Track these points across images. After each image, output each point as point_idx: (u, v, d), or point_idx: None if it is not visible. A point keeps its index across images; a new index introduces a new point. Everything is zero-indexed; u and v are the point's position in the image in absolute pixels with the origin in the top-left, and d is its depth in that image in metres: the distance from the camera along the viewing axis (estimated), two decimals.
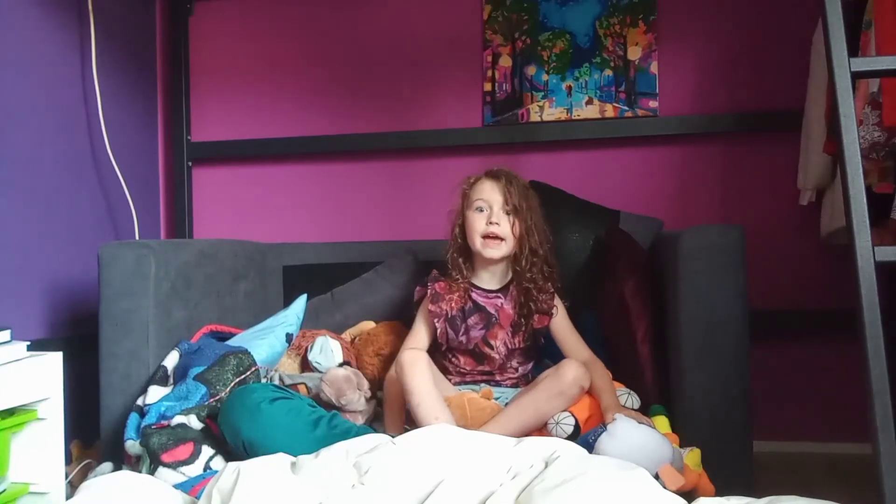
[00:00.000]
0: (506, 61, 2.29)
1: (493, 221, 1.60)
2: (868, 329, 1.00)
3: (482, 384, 1.64)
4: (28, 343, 1.51)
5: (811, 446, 2.09)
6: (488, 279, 1.68)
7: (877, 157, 1.61)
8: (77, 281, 1.99)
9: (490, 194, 1.63)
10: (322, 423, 1.29)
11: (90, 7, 2.05)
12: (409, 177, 2.37)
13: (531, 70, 2.27)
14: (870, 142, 1.58)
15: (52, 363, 1.52)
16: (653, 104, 2.20)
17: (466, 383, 1.65)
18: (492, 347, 1.63)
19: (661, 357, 1.58)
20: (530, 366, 1.68)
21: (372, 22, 2.39)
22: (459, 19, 2.33)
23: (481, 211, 1.62)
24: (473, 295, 1.66)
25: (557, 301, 1.66)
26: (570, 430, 1.39)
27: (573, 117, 2.24)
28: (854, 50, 1.60)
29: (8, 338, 1.47)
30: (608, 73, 2.22)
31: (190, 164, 2.44)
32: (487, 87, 2.30)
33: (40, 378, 1.49)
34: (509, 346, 1.64)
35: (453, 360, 1.67)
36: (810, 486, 1.74)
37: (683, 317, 1.46)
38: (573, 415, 1.42)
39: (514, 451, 1.06)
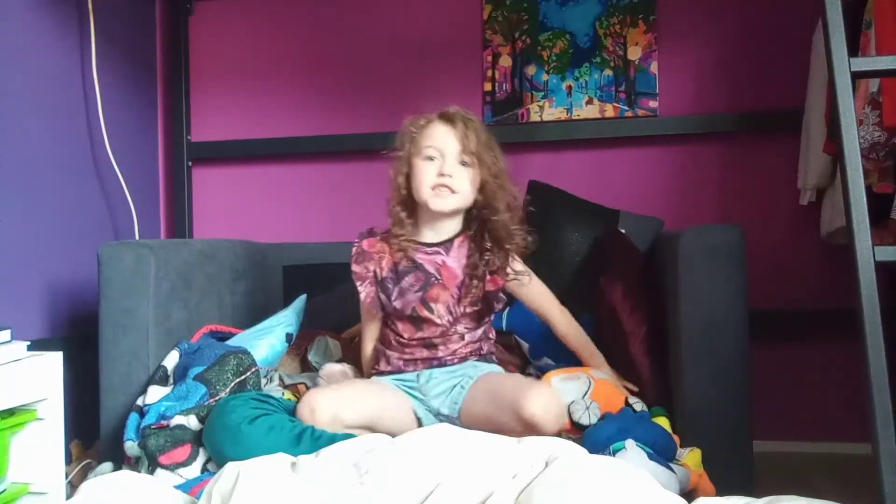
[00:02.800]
0: (506, 61, 2.29)
1: (445, 173, 1.40)
2: (868, 329, 1.00)
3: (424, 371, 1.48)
4: (28, 343, 1.51)
5: (811, 446, 2.09)
6: (432, 235, 1.49)
7: (877, 157, 1.61)
8: (77, 281, 1.98)
9: (443, 141, 1.42)
10: (305, 437, 1.26)
11: (90, 7, 2.05)
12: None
13: (531, 70, 2.27)
14: (870, 142, 1.58)
15: (52, 363, 1.52)
16: (653, 104, 2.19)
17: (407, 360, 1.50)
18: (432, 311, 1.46)
19: (661, 357, 1.58)
20: (481, 331, 1.53)
21: (372, 22, 2.38)
22: (459, 19, 2.33)
23: (431, 160, 1.41)
24: (413, 252, 1.48)
25: (523, 266, 1.51)
26: (595, 419, 1.40)
27: (573, 117, 2.24)
28: (854, 50, 1.61)
29: (8, 338, 1.47)
30: (608, 73, 2.22)
31: (190, 164, 2.44)
32: (487, 87, 2.30)
33: (40, 378, 1.48)
34: (453, 313, 1.47)
35: (393, 327, 1.50)
36: (810, 486, 1.74)
37: (683, 317, 1.46)
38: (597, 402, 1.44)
39: (514, 451, 1.05)
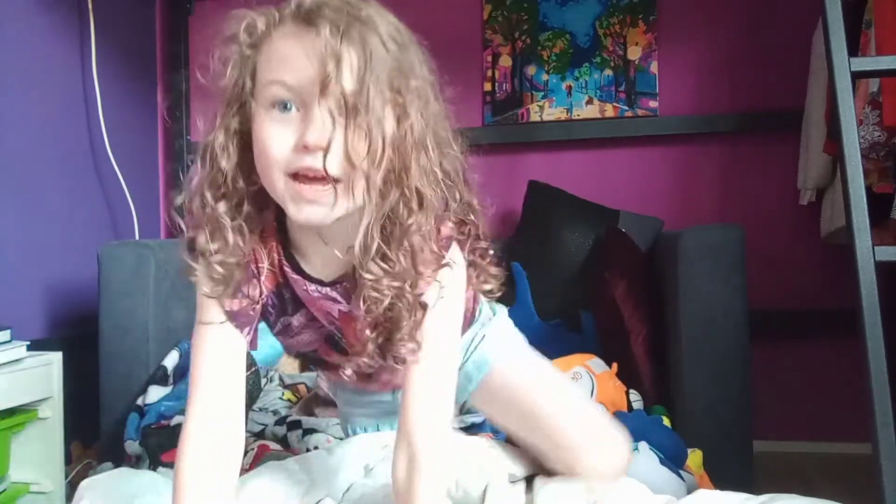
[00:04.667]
0: (506, 61, 2.29)
1: (308, 144, 0.72)
2: (868, 329, 1.00)
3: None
4: (28, 343, 1.51)
5: (811, 446, 2.09)
6: (315, 259, 0.86)
7: (877, 157, 1.61)
8: (77, 281, 1.98)
9: (299, 69, 0.74)
10: None
11: (90, 7, 2.05)
12: None
13: (531, 70, 2.27)
14: (870, 142, 1.58)
15: (52, 363, 1.51)
16: (653, 104, 2.19)
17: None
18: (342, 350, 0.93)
19: (661, 357, 1.58)
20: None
21: None
22: (459, 19, 2.33)
23: (284, 110, 0.74)
24: (299, 287, 0.88)
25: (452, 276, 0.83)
26: None
27: (573, 117, 2.24)
28: (854, 50, 1.60)
29: (8, 338, 1.47)
30: (608, 73, 2.22)
31: (190, 163, 2.43)
32: (487, 87, 2.29)
33: (40, 378, 1.48)
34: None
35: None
36: (810, 486, 1.74)
37: (683, 317, 1.46)
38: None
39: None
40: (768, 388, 2.04)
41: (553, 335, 1.64)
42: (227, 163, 0.79)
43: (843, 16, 1.08)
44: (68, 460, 1.71)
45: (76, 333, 1.93)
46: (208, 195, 0.80)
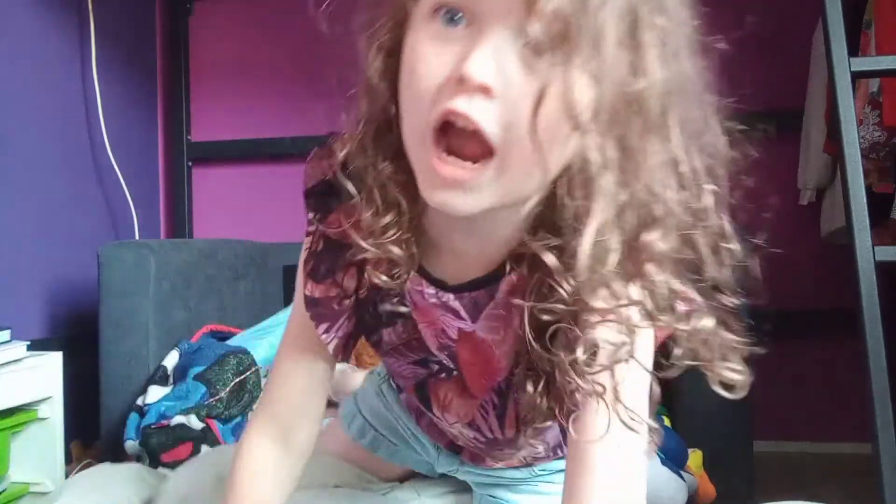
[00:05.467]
0: None
1: (466, 73, 0.49)
2: (868, 329, 1.00)
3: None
4: (28, 343, 1.51)
5: (811, 446, 2.09)
6: (446, 250, 0.63)
7: (877, 157, 1.61)
8: (77, 281, 1.98)
9: None
10: None
11: (90, 7, 2.05)
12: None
13: None
14: (870, 142, 1.58)
15: (52, 363, 1.51)
16: None
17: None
18: (437, 417, 0.74)
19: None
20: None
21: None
22: None
23: (450, 23, 0.51)
24: (413, 287, 0.65)
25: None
26: None
27: None
28: (854, 50, 1.61)
29: (8, 338, 1.47)
30: None
31: (190, 164, 2.44)
32: None
33: (40, 378, 1.48)
34: (493, 433, 0.71)
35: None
36: (810, 486, 1.74)
37: None
38: None
39: None
40: (768, 388, 2.04)
41: None
42: (385, 95, 0.58)
43: (843, 16, 1.08)
44: (68, 460, 1.71)
45: (76, 333, 1.93)
46: (369, 144, 0.59)
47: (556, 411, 0.59)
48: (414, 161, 0.55)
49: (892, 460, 0.95)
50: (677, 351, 0.57)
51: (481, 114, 0.49)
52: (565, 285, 0.53)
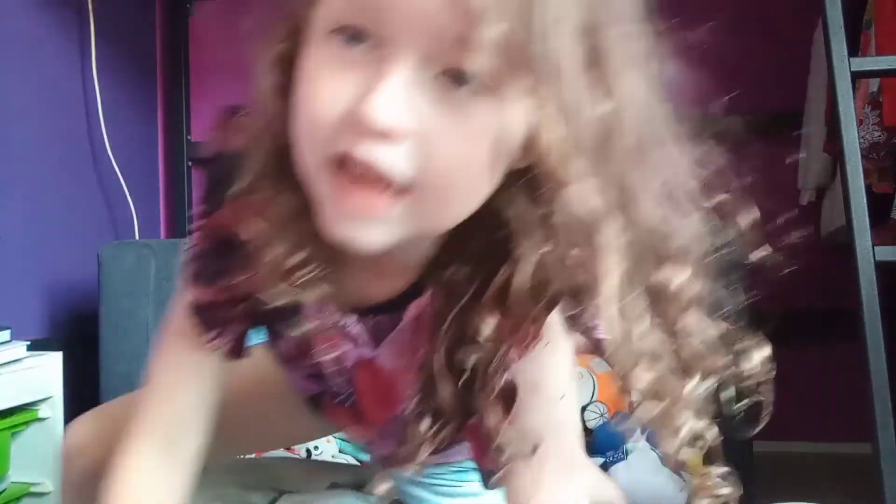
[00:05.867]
0: None
1: (367, 117, 0.42)
2: (868, 329, 1.00)
3: None
4: (28, 343, 1.51)
5: (811, 446, 2.09)
6: (361, 277, 0.55)
7: (877, 157, 1.61)
8: (77, 281, 1.98)
9: None
10: None
11: (90, 7, 2.05)
12: None
13: None
14: (870, 142, 1.58)
15: (52, 363, 1.51)
16: None
17: None
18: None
19: None
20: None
21: None
22: None
23: (351, 42, 0.44)
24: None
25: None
26: (604, 421, 1.39)
27: None
28: (854, 50, 1.61)
29: (8, 338, 1.47)
30: None
31: (190, 164, 2.44)
32: None
33: (40, 378, 1.48)
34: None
35: None
36: (810, 486, 1.74)
37: None
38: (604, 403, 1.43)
39: None
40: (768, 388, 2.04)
41: None
42: (274, 113, 0.50)
43: (843, 16, 1.08)
44: None
45: (76, 333, 1.93)
46: (269, 171, 0.51)
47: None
48: (311, 192, 0.47)
49: (892, 460, 0.95)
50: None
51: (386, 160, 0.43)
52: (490, 321, 0.47)
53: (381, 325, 0.56)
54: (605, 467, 1.25)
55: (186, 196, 2.42)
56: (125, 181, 2.17)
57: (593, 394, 1.45)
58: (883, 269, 1.02)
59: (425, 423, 0.52)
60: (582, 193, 0.43)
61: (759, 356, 0.55)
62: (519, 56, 0.40)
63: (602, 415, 1.40)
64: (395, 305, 0.55)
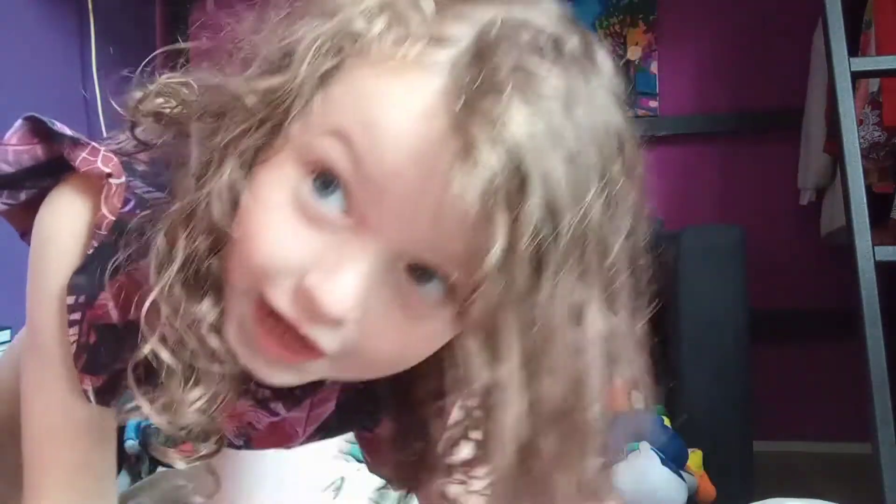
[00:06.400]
0: None
1: (321, 313, 0.38)
2: (868, 329, 1.00)
3: None
4: None
5: (811, 446, 2.09)
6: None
7: (877, 157, 1.61)
8: None
9: (393, 149, 0.36)
10: None
11: (90, 7, 2.05)
12: None
13: None
14: (870, 142, 1.58)
15: None
16: (653, 104, 2.19)
17: None
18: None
19: (661, 357, 1.58)
20: None
21: None
22: None
23: (324, 192, 0.38)
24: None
25: None
26: None
27: None
28: (854, 50, 1.61)
29: (8, 338, 1.47)
30: None
31: None
32: None
33: None
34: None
35: None
36: (810, 486, 1.74)
37: (683, 317, 1.46)
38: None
39: None
40: (768, 388, 2.04)
41: None
42: (220, 215, 0.41)
43: (843, 16, 1.08)
44: None
45: None
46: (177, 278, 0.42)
47: None
48: (228, 319, 0.42)
49: (892, 460, 0.95)
50: None
51: (325, 340, 0.39)
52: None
53: (301, 394, 0.53)
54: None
55: None
56: None
57: None
58: (883, 269, 1.02)
59: None
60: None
61: None
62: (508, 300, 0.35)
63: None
64: (314, 386, 0.52)
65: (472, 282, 0.35)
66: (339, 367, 0.42)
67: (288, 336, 0.39)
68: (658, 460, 1.23)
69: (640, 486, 1.20)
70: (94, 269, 0.47)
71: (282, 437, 0.56)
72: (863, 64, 1.10)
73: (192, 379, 0.43)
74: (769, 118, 2.13)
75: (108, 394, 0.51)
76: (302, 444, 0.57)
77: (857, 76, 1.09)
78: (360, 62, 0.38)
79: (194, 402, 0.44)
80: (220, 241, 0.41)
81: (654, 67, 2.20)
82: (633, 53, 2.21)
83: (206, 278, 0.42)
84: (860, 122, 1.57)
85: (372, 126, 0.36)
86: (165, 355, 0.42)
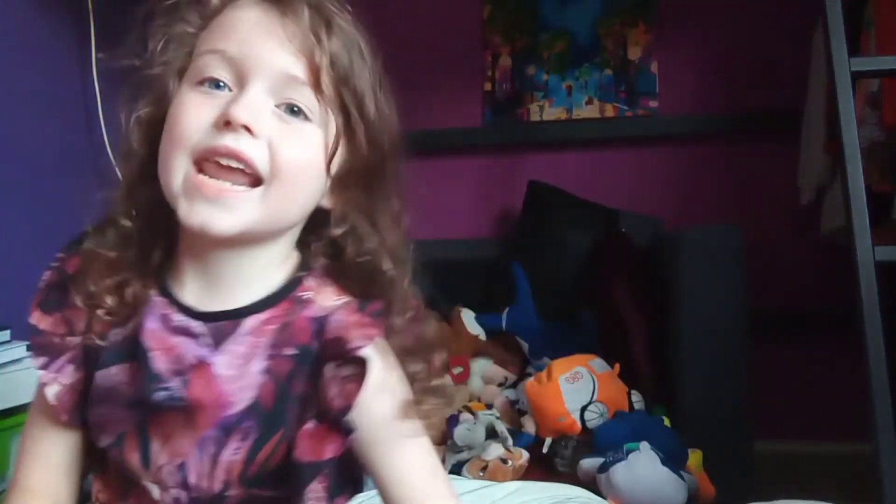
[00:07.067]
0: (506, 61, 2.29)
1: (235, 120, 0.57)
2: (868, 329, 1.00)
3: None
4: (28, 343, 1.51)
5: (811, 446, 2.09)
6: (207, 290, 0.64)
7: (877, 158, 1.61)
8: None
9: (248, 40, 0.60)
10: None
11: (90, 7, 2.05)
12: (407, 177, 2.37)
13: (531, 70, 2.27)
14: (870, 142, 1.58)
15: None
16: (653, 104, 2.19)
17: None
18: (148, 466, 0.63)
19: (661, 357, 1.58)
20: None
21: (371, 21, 2.38)
22: (459, 19, 2.33)
23: (216, 87, 0.60)
24: (149, 316, 0.64)
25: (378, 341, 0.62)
26: (604, 420, 1.39)
27: (573, 117, 2.24)
28: (854, 50, 1.61)
29: (8, 338, 1.47)
30: (608, 72, 2.22)
31: None
32: (487, 86, 2.29)
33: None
34: (212, 478, 0.62)
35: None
36: (810, 486, 1.74)
37: (683, 317, 1.46)
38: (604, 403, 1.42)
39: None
40: (768, 388, 2.04)
41: (554, 335, 1.64)
42: (142, 148, 0.65)
43: (843, 16, 1.08)
44: None
45: None
46: (122, 192, 0.70)
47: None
48: (173, 194, 0.60)
49: (892, 460, 0.95)
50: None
51: (249, 149, 0.58)
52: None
53: (223, 330, 0.62)
54: (605, 467, 1.24)
55: None
56: None
57: (593, 394, 1.45)
58: (883, 269, 1.02)
59: (252, 435, 0.61)
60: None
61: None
62: (340, 104, 0.62)
63: (602, 415, 1.40)
64: (235, 315, 0.63)
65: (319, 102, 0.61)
66: (263, 201, 0.59)
67: (219, 180, 0.58)
68: (658, 460, 1.23)
69: (640, 485, 1.20)
70: (78, 241, 0.72)
71: (214, 393, 0.61)
72: (863, 64, 1.10)
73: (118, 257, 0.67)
74: (769, 118, 2.13)
75: (45, 341, 0.69)
76: (239, 415, 0.61)
77: (857, 76, 1.09)
78: (208, 24, 0.63)
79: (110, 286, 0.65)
80: (147, 169, 0.65)
81: (654, 67, 2.20)
82: (633, 53, 2.21)
83: (139, 199, 0.69)
84: (860, 122, 1.57)
85: (226, 29, 0.61)
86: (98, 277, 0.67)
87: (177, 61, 0.63)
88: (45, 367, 0.67)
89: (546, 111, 2.25)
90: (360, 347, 0.60)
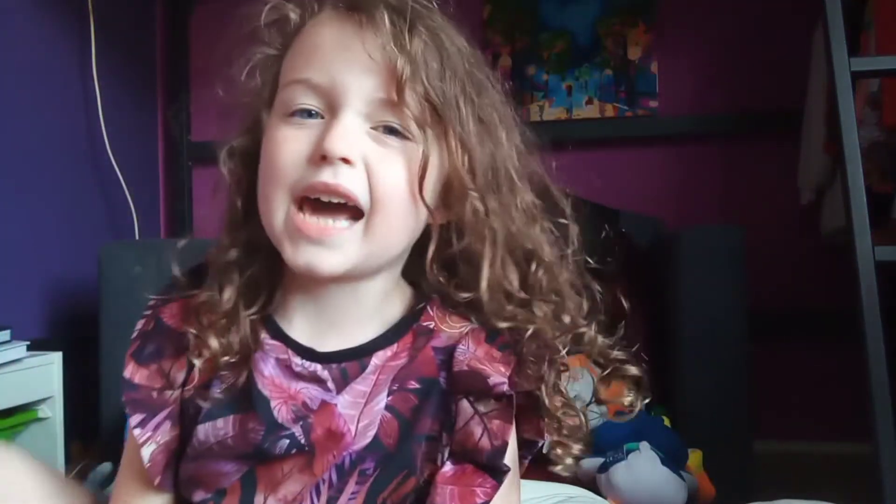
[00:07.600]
0: (506, 61, 2.29)
1: (327, 150, 0.55)
2: (868, 329, 1.00)
3: None
4: (28, 343, 1.51)
5: (811, 446, 2.09)
6: (319, 329, 0.63)
7: (877, 158, 1.61)
8: (77, 281, 1.98)
9: (333, 63, 0.58)
10: None
11: (90, 7, 2.05)
12: None
13: (531, 70, 2.27)
14: (870, 142, 1.58)
15: (52, 363, 1.51)
16: (653, 104, 2.19)
17: None
18: None
19: (662, 358, 1.58)
20: None
21: None
22: (459, 19, 2.33)
23: (308, 117, 0.58)
24: (263, 361, 0.61)
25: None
26: (603, 420, 1.39)
27: (573, 117, 2.24)
28: (854, 50, 1.61)
29: (8, 338, 1.47)
30: (608, 72, 2.22)
31: (190, 164, 2.43)
32: None
33: (40, 378, 1.48)
34: None
35: None
36: (810, 486, 1.74)
37: (683, 317, 1.46)
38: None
39: None
40: (768, 388, 2.04)
41: None
42: (239, 191, 0.63)
43: (843, 16, 1.08)
44: (68, 460, 1.71)
45: (76, 333, 1.93)
46: (226, 234, 0.63)
47: None
48: (276, 235, 0.58)
49: (892, 460, 0.95)
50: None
51: (348, 181, 0.56)
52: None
53: (347, 370, 0.61)
54: (605, 467, 1.24)
55: (186, 196, 2.42)
56: (125, 181, 2.17)
57: (593, 393, 1.45)
58: (883, 269, 1.02)
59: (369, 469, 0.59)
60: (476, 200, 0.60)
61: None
62: (431, 116, 0.58)
63: (602, 415, 1.40)
64: (358, 354, 0.61)
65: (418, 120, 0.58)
66: (365, 235, 0.57)
67: (320, 217, 0.56)
68: (658, 460, 1.23)
69: (640, 485, 1.20)
70: (173, 288, 0.66)
71: (335, 434, 0.59)
72: (863, 64, 1.10)
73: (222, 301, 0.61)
74: (769, 118, 2.13)
75: (137, 395, 0.61)
76: (358, 455, 0.59)
77: (857, 76, 1.09)
78: (290, 44, 0.62)
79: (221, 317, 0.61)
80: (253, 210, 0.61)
81: (654, 67, 2.20)
82: (633, 53, 2.21)
83: (240, 236, 0.63)
84: (860, 122, 1.57)
85: (308, 53, 0.59)
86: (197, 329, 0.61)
87: (265, 88, 0.62)
88: (141, 424, 0.60)
89: (546, 111, 2.25)
90: (501, 384, 0.58)
